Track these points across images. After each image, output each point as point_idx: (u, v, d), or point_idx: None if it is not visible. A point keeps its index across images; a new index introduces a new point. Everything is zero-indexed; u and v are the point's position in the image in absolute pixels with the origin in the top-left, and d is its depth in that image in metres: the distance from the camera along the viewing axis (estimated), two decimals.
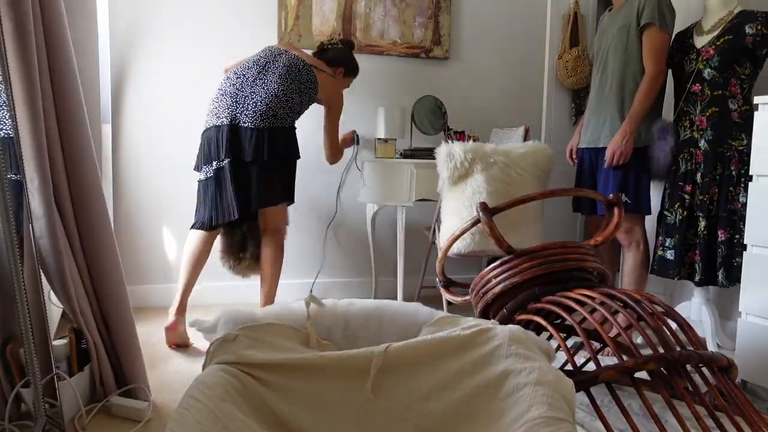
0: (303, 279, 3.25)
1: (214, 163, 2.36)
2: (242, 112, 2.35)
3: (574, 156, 2.73)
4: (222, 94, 2.41)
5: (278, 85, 2.38)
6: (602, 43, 2.52)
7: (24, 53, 1.52)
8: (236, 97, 2.37)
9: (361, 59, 3.22)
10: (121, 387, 1.79)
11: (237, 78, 2.42)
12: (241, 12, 3.03)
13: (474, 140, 3.04)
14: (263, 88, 2.37)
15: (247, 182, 2.35)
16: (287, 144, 2.41)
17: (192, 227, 2.46)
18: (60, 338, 1.74)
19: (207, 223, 2.40)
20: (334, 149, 2.70)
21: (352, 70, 2.75)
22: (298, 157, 2.50)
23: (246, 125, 2.33)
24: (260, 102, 2.34)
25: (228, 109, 2.36)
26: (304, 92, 2.46)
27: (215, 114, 2.39)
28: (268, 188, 2.37)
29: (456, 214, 2.41)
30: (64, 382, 1.64)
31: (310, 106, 2.58)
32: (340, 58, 2.68)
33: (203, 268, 2.50)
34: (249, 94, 2.37)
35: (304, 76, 2.46)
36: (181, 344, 2.38)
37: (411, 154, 2.91)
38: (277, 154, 2.36)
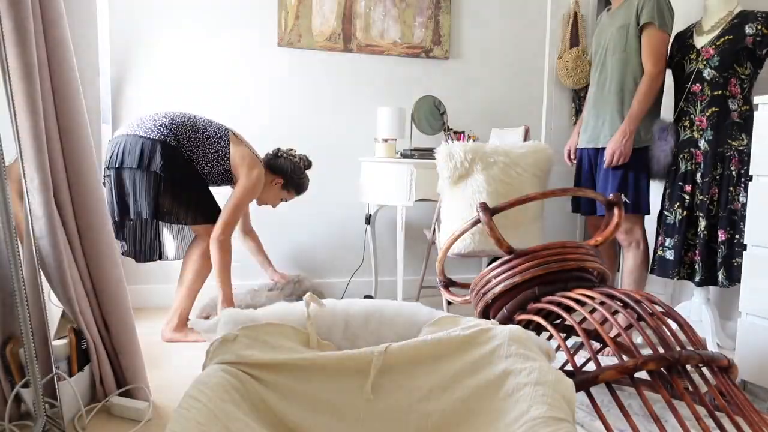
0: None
1: None
2: None
3: (572, 156, 2.72)
4: None
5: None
6: (601, 43, 2.51)
7: (24, 53, 1.52)
8: None
9: (361, 59, 3.23)
10: (121, 387, 1.79)
11: None
12: (241, 12, 3.03)
13: (474, 140, 3.05)
14: None
15: None
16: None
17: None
18: (60, 338, 1.74)
19: None
20: (218, 231, 2.37)
21: (293, 186, 2.63)
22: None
23: None
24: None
25: None
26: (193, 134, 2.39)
27: None
28: None
29: (456, 214, 2.42)
30: (64, 382, 1.64)
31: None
32: (285, 169, 2.59)
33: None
34: None
35: (211, 130, 2.43)
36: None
37: (411, 154, 2.91)
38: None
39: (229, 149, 2.43)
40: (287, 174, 2.61)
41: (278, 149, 2.65)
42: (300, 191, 2.69)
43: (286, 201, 2.72)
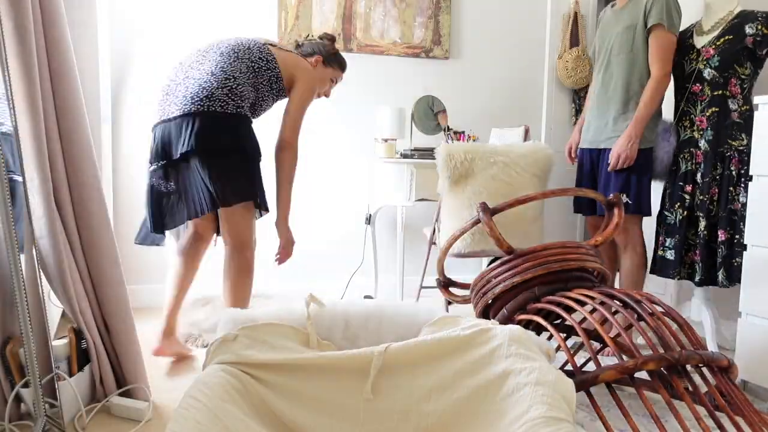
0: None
1: (151, 166, 2.02)
2: (171, 102, 1.95)
3: (573, 154, 2.70)
4: (160, 93, 2.07)
5: (216, 63, 1.98)
6: (605, 42, 2.47)
7: (24, 53, 1.52)
8: (167, 89, 2.01)
9: (361, 59, 3.23)
10: (121, 387, 1.79)
11: (173, 69, 2.08)
12: (242, 12, 3.04)
13: (474, 140, 3.05)
14: (198, 70, 1.98)
15: (180, 186, 1.97)
16: (231, 133, 1.94)
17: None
18: (60, 338, 1.74)
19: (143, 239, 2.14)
20: (291, 135, 2.11)
21: (333, 60, 2.35)
22: (257, 154, 2.03)
23: (173, 115, 1.92)
24: (192, 84, 1.94)
25: (159, 105, 2.01)
26: (257, 74, 2.04)
27: (154, 119, 2.04)
28: (213, 187, 1.91)
29: (456, 214, 2.42)
30: (64, 382, 1.64)
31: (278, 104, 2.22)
32: (315, 48, 2.32)
33: (188, 288, 2.21)
34: (182, 80, 1.99)
35: (255, 54, 2.06)
36: (180, 356, 2.25)
37: (411, 154, 2.91)
38: (215, 144, 1.90)
39: (278, 67, 2.10)
40: (320, 51, 2.32)
41: (296, 41, 2.36)
42: (342, 65, 2.39)
43: (336, 82, 2.41)
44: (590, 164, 2.54)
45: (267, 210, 2.10)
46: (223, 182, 1.92)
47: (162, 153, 1.96)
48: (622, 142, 2.31)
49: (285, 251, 2.17)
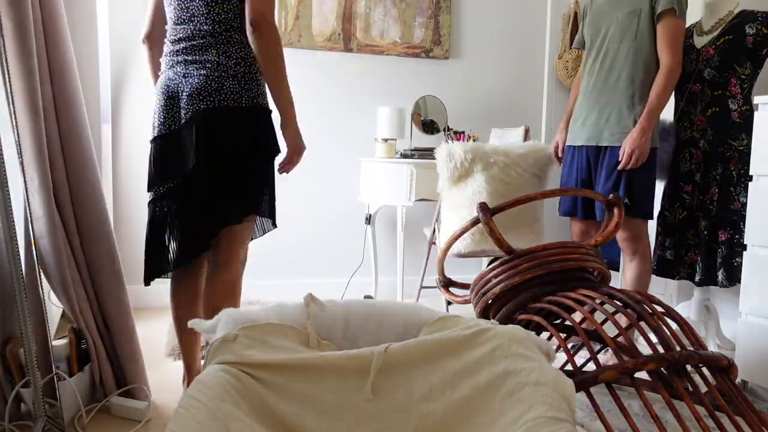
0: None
1: (150, 194, 1.69)
2: (174, 106, 1.63)
3: (561, 154, 2.51)
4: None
5: (206, 13, 1.58)
6: (600, 29, 2.25)
7: (24, 53, 1.52)
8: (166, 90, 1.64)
9: (361, 59, 3.23)
10: (121, 387, 1.79)
11: (167, 60, 1.67)
12: None
13: (474, 140, 3.05)
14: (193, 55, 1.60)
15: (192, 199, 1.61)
16: (245, 133, 1.60)
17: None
18: (60, 338, 1.74)
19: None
20: (266, 6, 1.55)
21: None
22: (277, 152, 1.71)
23: (183, 122, 1.59)
24: (196, 79, 1.58)
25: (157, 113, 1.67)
26: None
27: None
28: (215, 201, 1.60)
29: (456, 214, 2.42)
30: (64, 382, 1.64)
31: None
32: None
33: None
34: (182, 78, 1.61)
35: None
36: None
37: (411, 154, 2.91)
38: (229, 151, 1.58)
39: None
40: None
41: None
42: None
43: None
44: (585, 163, 2.32)
45: (275, 225, 1.82)
46: (221, 199, 1.60)
47: (165, 172, 1.63)
48: (636, 136, 2.10)
49: (292, 160, 1.77)
